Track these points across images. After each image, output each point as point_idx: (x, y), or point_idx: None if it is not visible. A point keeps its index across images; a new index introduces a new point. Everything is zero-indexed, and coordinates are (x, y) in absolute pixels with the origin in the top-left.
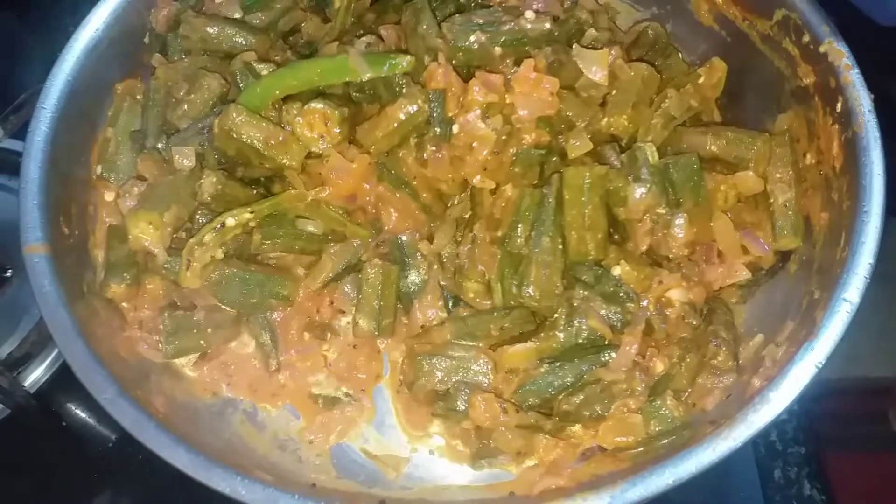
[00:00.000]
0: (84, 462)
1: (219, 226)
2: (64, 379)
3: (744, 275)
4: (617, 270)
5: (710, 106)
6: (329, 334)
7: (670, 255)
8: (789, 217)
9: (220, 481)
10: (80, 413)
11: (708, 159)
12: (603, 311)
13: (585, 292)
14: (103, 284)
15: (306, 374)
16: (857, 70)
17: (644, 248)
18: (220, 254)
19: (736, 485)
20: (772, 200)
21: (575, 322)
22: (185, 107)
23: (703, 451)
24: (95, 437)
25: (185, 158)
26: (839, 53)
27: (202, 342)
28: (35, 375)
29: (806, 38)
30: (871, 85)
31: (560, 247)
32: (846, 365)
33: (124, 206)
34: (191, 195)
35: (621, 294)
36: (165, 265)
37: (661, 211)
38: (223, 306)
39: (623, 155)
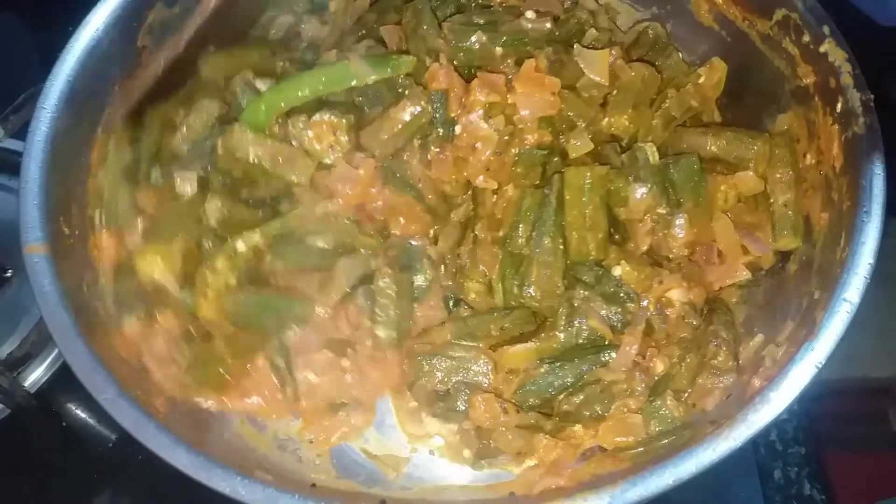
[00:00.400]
0: (84, 462)
1: (231, 252)
2: (64, 379)
3: (744, 275)
4: (617, 271)
5: (710, 106)
6: (348, 349)
7: (670, 256)
8: (789, 217)
9: (220, 481)
10: (81, 413)
11: (708, 159)
12: (603, 312)
13: (586, 292)
14: (115, 322)
15: (323, 390)
16: (857, 70)
17: (645, 248)
18: (233, 280)
19: (736, 485)
20: (772, 200)
21: (575, 322)
22: (184, 129)
23: (703, 451)
24: (95, 437)
25: (187, 184)
26: (839, 53)
27: (222, 371)
28: (35, 375)
29: (806, 38)
30: (871, 85)
31: (561, 247)
32: (846, 365)
33: (131, 243)
34: (195, 221)
35: (622, 294)
36: (179, 296)
37: (661, 211)
38: (241, 333)
39: (623, 155)
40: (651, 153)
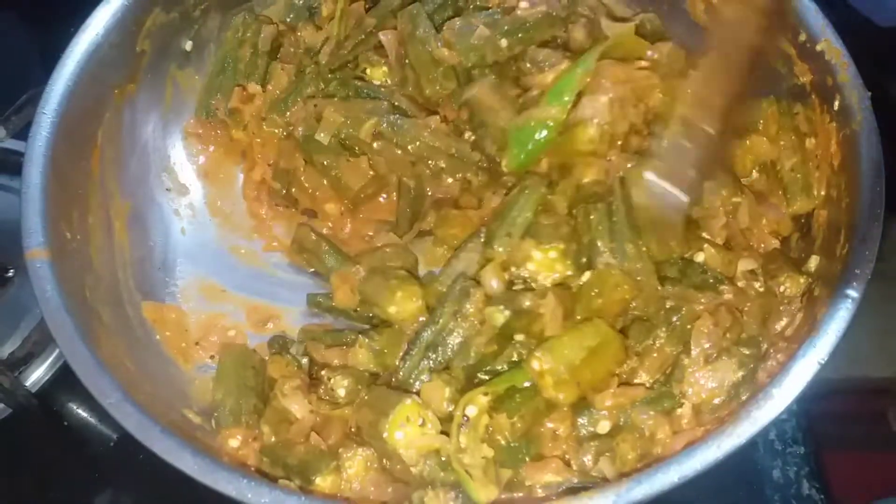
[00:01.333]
0: (85, 462)
1: (464, 420)
2: (65, 378)
3: (773, 244)
4: (700, 256)
5: None
6: None
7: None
8: (798, 180)
9: (226, 484)
10: (82, 413)
11: None
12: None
13: (675, 288)
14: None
15: None
16: (853, 68)
17: (721, 242)
18: (488, 450)
19: (735, 484)
20: (779, 168)
21: (675, 322)
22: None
23: (708, 448)
24: (97, 436)
25: (340, 388)
26: (835, 52)
27: None
28: (37, 375)
29: (802, 37)
30: (870, 84)
31: (644, 248)
32: (846, 365)
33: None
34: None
35: (711, 280)
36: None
37: (736, 200)
38: None
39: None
40: None
